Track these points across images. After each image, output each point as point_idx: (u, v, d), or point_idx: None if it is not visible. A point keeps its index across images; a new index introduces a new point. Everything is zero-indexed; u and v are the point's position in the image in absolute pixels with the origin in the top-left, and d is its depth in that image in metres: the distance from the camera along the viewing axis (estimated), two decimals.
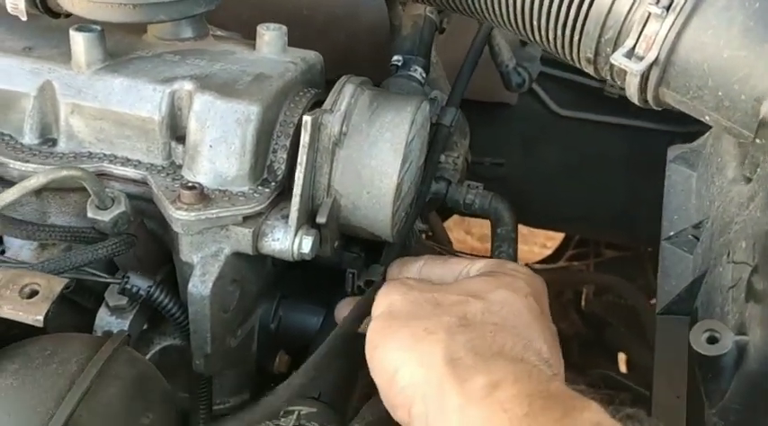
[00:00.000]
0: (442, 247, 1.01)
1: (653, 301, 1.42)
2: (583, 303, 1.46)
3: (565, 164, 1.34)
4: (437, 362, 0.48)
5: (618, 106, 1.24)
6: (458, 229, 2.16)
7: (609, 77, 0.55)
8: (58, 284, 0.51)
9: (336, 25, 0.84)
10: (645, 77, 0.51)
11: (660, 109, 0.56)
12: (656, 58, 0.49)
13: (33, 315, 0.49)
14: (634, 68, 0.49)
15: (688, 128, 1.21)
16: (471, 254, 1.08)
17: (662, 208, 0.73)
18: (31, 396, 0.48)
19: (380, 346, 0.52)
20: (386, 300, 0.56)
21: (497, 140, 1.27)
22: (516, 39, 1.03)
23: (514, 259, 0.77)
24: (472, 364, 0.48)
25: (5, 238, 0.67)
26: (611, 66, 0.53)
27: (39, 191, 0.63)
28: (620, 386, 1.28)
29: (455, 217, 1.39)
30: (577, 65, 0.57)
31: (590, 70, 0.56)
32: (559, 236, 1.82)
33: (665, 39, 0.49)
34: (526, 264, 1.76)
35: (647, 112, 1.29)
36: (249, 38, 0.70)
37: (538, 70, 1.07)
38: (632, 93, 0.53)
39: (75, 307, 0.65)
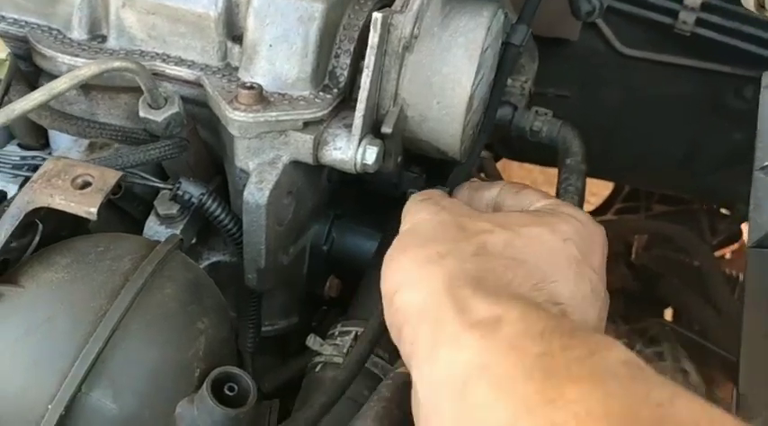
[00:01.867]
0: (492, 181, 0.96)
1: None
2: (633, 255, 1.41)
3: (623, 108, 1.27)
4: (436, 288, 0.44)
5: (688, 46, 1.16)
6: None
7: None
8: (112, 176, 0.47)
9: None
10: None
11: None
12: None
13: (86, 206, 0.46)
14: None
15: (762, 72, 1.13)
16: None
17: (755, 138, 0.67)
18: (84, 291, 0.46)
19: (393, 261, 0.48)
20: (414, 217, 0.52)
21: (554, 79, 1.20)
22: None
23: (582, 193, 0.72)
24: (471, 294, 0.43)
25: (52, 139, 0.64)
26: None
27: (88, 90, 0.60)
28: (669, 335, 1.23)
29: (497, 165, 1.34)
30: None
31: None
32: (603, 192, 1.75)
33: None
34: None
35: (718, 54, 1.21)
36: None
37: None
38: None
39: (124, 216, 0.62)
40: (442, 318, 0.42)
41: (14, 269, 0.47)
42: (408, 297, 0.45)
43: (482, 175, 0.98)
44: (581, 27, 1.18)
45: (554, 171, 0.83)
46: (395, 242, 0.50)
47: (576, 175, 0.69)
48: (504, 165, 1.65)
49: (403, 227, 0.52)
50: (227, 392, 0.46)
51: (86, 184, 0.47)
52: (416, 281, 0.45)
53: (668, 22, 1.14)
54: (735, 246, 1.55)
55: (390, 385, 0.50)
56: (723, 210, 1.53)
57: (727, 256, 1.54)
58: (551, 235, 0.48)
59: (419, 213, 0.52)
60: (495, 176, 0.97)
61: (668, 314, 1.45)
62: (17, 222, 0.46)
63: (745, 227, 1.44)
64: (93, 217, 0.46)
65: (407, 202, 0.54)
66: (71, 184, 0.46)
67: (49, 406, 0.43)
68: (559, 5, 1.01)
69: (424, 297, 0.44)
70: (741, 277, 1.31)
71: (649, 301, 1.39)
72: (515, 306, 0.42)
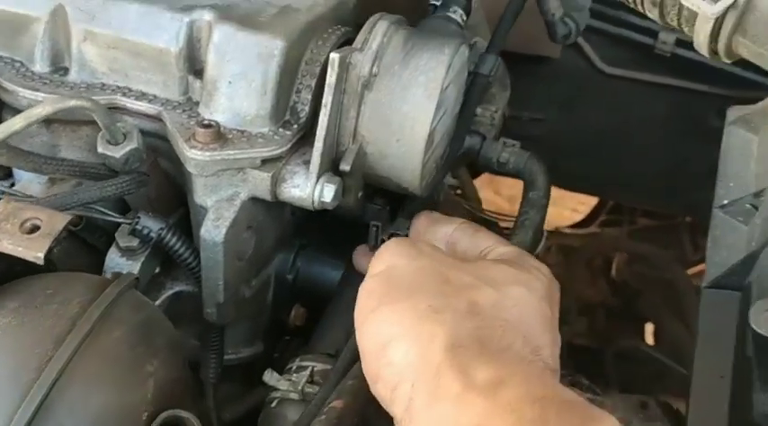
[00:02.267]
0: (471, 205, 0.96)
1: (689, 271, 1.36)
2: (613, 271, 1.41)
3: (605, 125, 1.27)
4: (437, 346, 0.44)
5: (669, 65, 1.17)
6: (487, 189, 2.10)
7: (675, 23, 0.49)
8: (60, 220, 0.47)
9: None
10: (719, 23, 0.45)
11: (729, 61, 0.50)
12: (735, 1, 0.43)
13: (34, 251, 0.46)
14: (708, 11, 0.43)
15: (743, 92, 1.13)
16: (500, 215, 1.04)
17: (716, 175, 0.67)
18: (30, 337, 0.46)
19: (376, 312, 0.47)
20: (389, 259, 0.51)
21: (535, 97, 1.20)
22: None
23: (540, 227, 0.72)
24: (476, 355, 0.43)
25: (15, 171, 0.64)
26: (681, 8, 0.47)
27: (49, 123, 0.60)
28: (646, 359, 1.24)
29: (485, 175, 1.34)
30: (639, 8, 0.51)
31: (654, 14, 0.50)
32: (591, 201, 1.75)
33: None
34: (556, 228, 1.71)
35: (700, 74, 1.21)
36: None
37: (586, 21, 0.99)
38: (701, 41, 0.47)
39: (87, 247, 0.62)
40: (443, 377, 0.43)
41: None
42: (404, 351, 0.44)
43: (459, 191, 0.98)
44: (562, 46, 1.18)
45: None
46: (370, 286, 0.49)
47: (536, 210, 0.69)
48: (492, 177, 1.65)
49: (376, 268, 0.50)
50: None
51: (35, 228, 0.47)
52: (413, 337, 0.44)
53: (648, 42, 1.15)
54: None
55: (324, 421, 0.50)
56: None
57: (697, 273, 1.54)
58: (530, 295, 0.50)
59: (395, 255, 0.50)
60: (470, 191, 0.97)
61: (649, 329, 1.46)
62: None
63: None
64: (41, 262, 0.47)
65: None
66: (19, 229, 0.47)
67: None
68: (540, 23, 1.01)
69: (423, 353, 0.44)
70: None
71: (629, 317, 1.40)
72: (518, 372, 0.43)
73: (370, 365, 0.46)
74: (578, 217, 1.83)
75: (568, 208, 2.22)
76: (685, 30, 0.49)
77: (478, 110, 0.75)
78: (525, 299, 0.49)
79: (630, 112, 1.26)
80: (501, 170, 0.73)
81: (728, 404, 0.50)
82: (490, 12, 0.88)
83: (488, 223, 1.03)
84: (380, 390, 0.46)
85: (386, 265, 0.50)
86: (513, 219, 0.70)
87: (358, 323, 0.48)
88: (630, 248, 1.35)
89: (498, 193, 2.27)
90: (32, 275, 0.51)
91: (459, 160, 0.74)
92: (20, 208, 0.48)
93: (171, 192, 0.64)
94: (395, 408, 0.45)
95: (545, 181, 0.69)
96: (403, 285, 0.48)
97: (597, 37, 1.17)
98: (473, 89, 0.70)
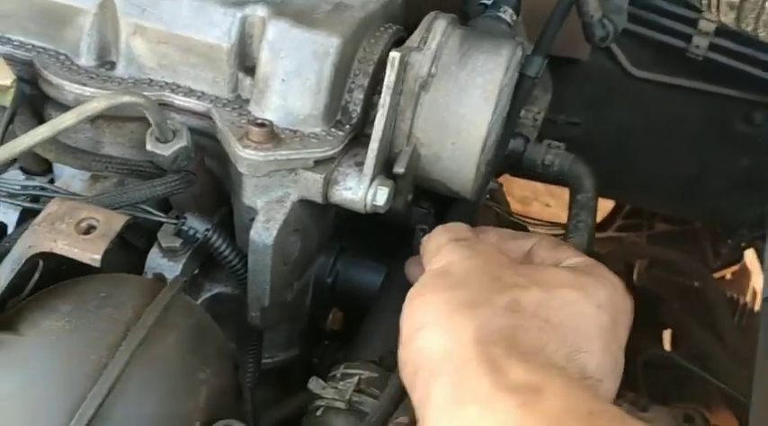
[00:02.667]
0: (501, 208, 0.95)
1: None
2: (635, 277, 1.40)
3: (631, 129, 1.26)
4: (466, 339, 0.42)
5: (699, 70, 1.15)
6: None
7: (751, 27, 0.48)
8: (117, 221, 0.46)
9: None
10: None
11: None
12: None
13: (90, 253, 0.44)
14: None
15: None
16: (528, 219, 1.01)
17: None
18: (84, 343, 0.44)
19: (417, 299, 0.46)
20: (446, 257, 0.50)
21: (562, 99, 1.19)
22: None
23: (592, 229, 0.71)
24: (505, 354, 0.41)
25: (55, 166, 0.63)
26: (761, 13, 0.45)
27: (93, 119, 0.58)
28: (669, 365, 1.22)
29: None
30: (713, 11, 0.49)
31: (729, 18, 0.48)
32: (607, 205, 1.74)
33: None
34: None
35: (730, 79, 1.20)
36: None
37: (624, 24, 0.98)
38: None
39: (126, 246, 0.61)
40: (468, 373, 0.41)
41: (14, 312, 0.46)
42: (432, 339, 0.43)
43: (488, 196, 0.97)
44: (591, 47, 1.17)
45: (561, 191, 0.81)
46: (423, 279, 0.48)
47: (587, 212, 0.67)
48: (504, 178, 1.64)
49: (432, 266, 0.50)
50: None
51: (91, 228, 0.45)
52: (443, 326, 0.43)
53: (681, 45, 1.13)
54: (736, 268, 1.54)
55: None
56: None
57: (728, 277, 1.53)
58: (586, 300, 0.46)
59: (452, 253, 0.49)
60: (503, 202, 0.96)
61: (666, 334, 1.44)
62: (18, 267, 0.44)
63: (748, 253, 1.43)
64: (97, 264, 0.45)
65: (436, 239, 0.52)
66: (75, 228, 0.45)
67: None
68: (570, 25, 0.99)
69: (450, 344, 0.42)
70: (742, 299, 1.30)
71: (649, 323, 1.39)
72: (557, 379, 0.40)
73: (402, 348, 0.45)
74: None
75: None
76: (762, 34, 0.48)
77: (522, 112, 0.73)
78: (578, 303, 0.46)
79: (656, 116, 1.24)
80: (545, 172, 0.72)
81: None
82: (524, 11, 0.87)
83: (517, 226, 1.02)
84: (407, 374, 0.44)
85: (443, 261, 0.49)
86: (542, 223, 0.69)
87: (403, 307, 0.47)
88: (655, 254, 1.33)
89: (510, 194, 2.26)
90: (81, 276, 0.50)
91: (503, 163, 0.73)
92: (76, 208, 0.46)
93: (214, 192, 0.63)
94: (414, 394, 0.43)
95: (593, 184, 0.68)
96: (452, 278, 0.47)
97: (627, 39, 1.16)
98: (519, 91, 0.69)
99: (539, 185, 2.20)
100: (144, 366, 0.45)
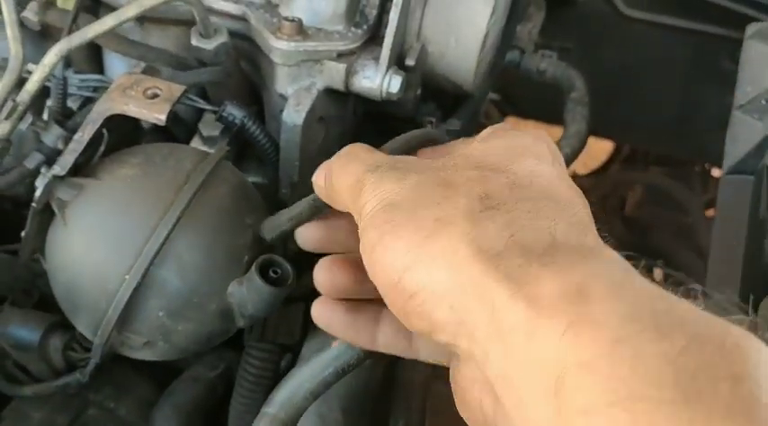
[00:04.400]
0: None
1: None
2: (627, 208, 1.49)
3: (621, 69, 1.33)
4: (463, 259, 0.35)
5: (690, 8, 1.23)
6: None
7: None
8: (177, 89, 0.55)
9: None
10: None
11: None
12: None
13: (157, 113, 0.53)
14: None
15: None
16: None
17: (735, 86, 0.74)
18: (154, 185, 0.54)
19: (379, 244, 0.38)
20: (376, 192, 0.39)
21: (554, 39, 1.26)
22: None
23: (588, 121, 0.78)
24: (522, 260, 0.34)
25: (108, 67, 0.72)
26: None
27: (142, 21, 0.67)
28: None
29: None
30: None
31: None
32: (604, 152, 1.82)
33: None
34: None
35: (716, 16, 1.27)
36: None
37: None
38: None
39: (169, 138, 0.70)
40: (492, 298, 0.33)
41: (92, 165, 0.55)
42: (425, 278, 0.36)
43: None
44: None
45: (559, 130, 0.89)
46: (368, 223, 0.39)
47: (582, 106, 0.76)
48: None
49: (366, 208, 0.40)
50: (272, 274, 0.54)
51: (155, 95, 0.54)
52: (429, 257, 0.36)
53: None
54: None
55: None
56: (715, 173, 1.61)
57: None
58: (541, 163, 0.40)
59: (379, 184, 0.40)
60: (495, 118, 1.05)
61: (658, 272, 1.54)
62: (98, 125, 0.54)
63: None
64: (162, 123, 0.54)
65: (343, 176, 0.43)
66: (143, 94, 0.54)
67: (126, 277, 0.51)
68: None
69: (449, 273, 0.35)
70: None
71: (641, 252, 1.48)
72: (599, 269, 0.33)
73: (393, 303, 0.38)
74: (585, 172, 1.90)
75: (579, 162, 2.30)
76: None
77: (518, 27, 0.82)
78: (539, 170, 0.40)
79: (646, 55, 1.32)
80: (540, 79, 0.81)
81: (743, 256, 0.57)
82: None
83: None
84: (416, 323, 0.38)
85: (375, 199, 0.39)
86: None
87: (366, 266, 0.39)
88: (650, 180, 1.41)
89: None
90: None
91: (502, 73, 0.82)
92: (142, 79, 0.55)
93: (246, 90, 0.72)
94: (440, 335, 0.37)
95: (583, 84, 0.77)
96: (404, 207, 0.38)
97: None
98: (516, 4, 0.78)
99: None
100: (202, 205, 0.54)
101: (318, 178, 0.46)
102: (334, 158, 0.45)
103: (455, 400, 0.39)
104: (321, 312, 0.48)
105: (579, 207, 0.39)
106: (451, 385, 0.39)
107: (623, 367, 0.29)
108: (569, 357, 0.31)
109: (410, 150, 0.48)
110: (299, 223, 0.50)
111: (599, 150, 1.98)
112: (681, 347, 0.30)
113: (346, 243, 0.48)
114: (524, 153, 0.41)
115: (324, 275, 0.47)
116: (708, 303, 0.36)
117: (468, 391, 0.38)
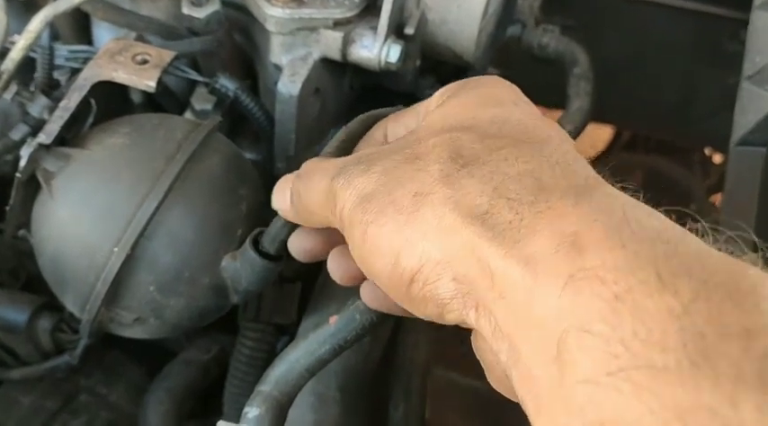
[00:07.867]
0: None
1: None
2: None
3: (623, 52, 1.31)
4: (451, 225, 0.33)
5: None
6: None
7: None
8: (167, 54, 0.53)
9: None
10: None
11: None
12: None
13: (146, 80, 0.51)
14: None
15: None
16: None
17: (743, 56, 0.73)
18: (144, 154, 0.51)
19: (364, 238, 0.36)
20: (349, 191, 0.37)
21: (555, 15, 1.24)
22: None
23: (592, 96, 0.76)
24: (512, 214, 0.32)
25: (96, 39, 0.69)
26: None
27: None
28: None
29: None
30: None
31: None
32: (602, 141, 1.81)
33: None
34: None
35: None
36: None
37: None
38: None
39: (159, 111, 0.68)
40: (490, 261, 0.31)
41: (81, 134, 0.53)
42: (420, 254, 0.34)
43: None
44: None
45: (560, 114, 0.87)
46: (349, 219, 0.37)
47: (585, 81, 0.74)
48: None
49: (345, 206, 0.37)
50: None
51: (145, 61, 0.52)
52: (418, 233, 0.34)
53: None
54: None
55: None
56: (716, 159, 1.60)
57: (717, 204, 1.61)
58: (503, 107, 0.38)
59: (350, 183, 0.37)
60: None
61: None
62: (85, 92, 0.51)
63: None
64: (152, 90, 0.52)
65: (313, 191, 0.40)
66: (131, 60, 0.52)
67: (115, 249, 0.49)
68: None
69: (443, 245, 0.33)
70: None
71: None
72: (591, 215, 0.30)
73: (397, 296, 0.36)
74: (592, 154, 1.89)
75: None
76: None
77: (519, 1, 0.80)
78: (504, 114, 0.37)
79: (648, 38, 1.30)
80: (542, 54, 0.78)
81: (753, 230, 0.55)
82: None
83: None
84: (424, 310, 0.36)
85: (351, 196, 0.37)
86: None
87: (360, 266, 0.38)
88: (645, 165, 1.40)
89: None
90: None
91: (502, 52, 0.80)
92: (131, 45, 0.53)
93: (240, 64, 0.69)
94: (450, 303, 0.34)
95: (587, 58, 0.75)
96: (380, 195, 0.36)
97: None
98: None
99: None
100: (193, 177, 0.52)
101: (280, 203, 0.44)
102: (295, 181, 0.43)
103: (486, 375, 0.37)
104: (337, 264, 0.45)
105: (557, 142, 0.36)
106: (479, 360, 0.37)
107: (624, 327, 0.27)
108: (568, 318, 0.28)
109: (353, 138, 0.46)
110: (295, 226, 0.47)
111: (598, 140, 1.97)
112: (687, 299, 0.27)
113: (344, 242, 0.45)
114: (485, 102, 0.38)
115: (336, 264, 0.45)
116: (719, 239, 0.31)
117: (492, 367, 0.36)
